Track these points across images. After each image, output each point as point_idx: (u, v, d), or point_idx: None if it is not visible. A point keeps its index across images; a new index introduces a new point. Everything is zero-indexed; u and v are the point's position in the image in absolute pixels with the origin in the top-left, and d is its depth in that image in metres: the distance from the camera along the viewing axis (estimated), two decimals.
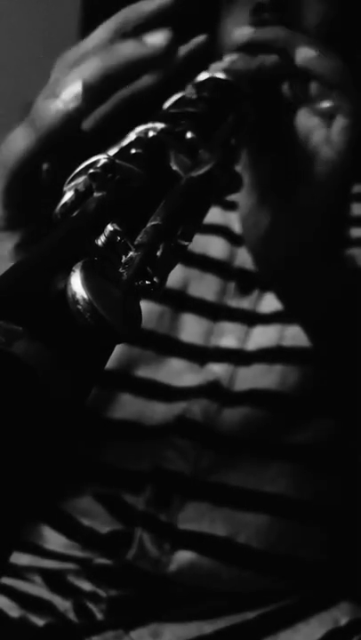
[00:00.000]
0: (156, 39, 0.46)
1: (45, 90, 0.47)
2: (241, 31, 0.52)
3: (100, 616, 0.59)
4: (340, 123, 0.51)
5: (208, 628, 0.58)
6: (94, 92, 0.45)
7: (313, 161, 0.52)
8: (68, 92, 0.44)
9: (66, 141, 0.46)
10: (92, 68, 0.46)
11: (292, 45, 0.50)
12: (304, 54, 0.50)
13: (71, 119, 0.45)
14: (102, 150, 0.35)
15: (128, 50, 0.46)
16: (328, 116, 0.51)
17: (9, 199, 0.47)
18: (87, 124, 0.48)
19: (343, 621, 0.57)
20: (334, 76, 0.50)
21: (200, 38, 0.49)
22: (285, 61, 0.51)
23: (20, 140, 0.46)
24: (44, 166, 0.48)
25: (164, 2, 0.48)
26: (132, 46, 0.46)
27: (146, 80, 0.49)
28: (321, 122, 0.52)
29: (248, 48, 0.52)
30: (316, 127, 0.52)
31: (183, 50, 0.49)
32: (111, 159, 0.33)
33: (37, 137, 0.45)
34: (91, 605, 0.59)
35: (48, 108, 0.45)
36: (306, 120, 0.53)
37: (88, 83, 0.45)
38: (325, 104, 0.51)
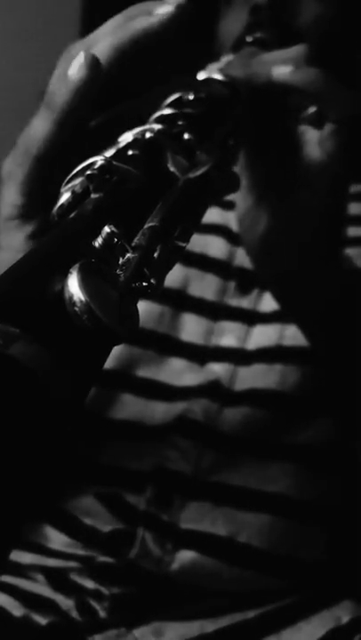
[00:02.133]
0: (166, 8, 0.46)
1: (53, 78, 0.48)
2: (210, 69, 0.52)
3: (102, 614, 0.59)
4: (328, 128, 0.51)
5: (210, 626, 0.58)
6: (100, 64, 0.45)
7: (308, 162, 0.52)
8: (73, 66, 0.45)
9: (83, 118, 0.46)
10: (104, 44, 0.46)
11: (264, 68, 0.51)
12: (278, 72, 0.50)
13: (81, 92, 0.45)
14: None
15: (138, 22, 0.46)
16: (318, 120, 0.51)
17: (29, 187, 0.47)
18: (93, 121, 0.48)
19: (345, 620, 0.57)
20: (312, 86, 0.50)
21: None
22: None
23: (39, 125, 0.46)
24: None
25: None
26: (142, 19, 0.46)
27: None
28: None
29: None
30: (307, 129, 0.52)
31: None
32: (108, 160, 0.33)
33: (55, 119, 0.46)
34: (94, 603, 0.60)
35: (58, 86, 0.46)
36: (301, 122, 0.53)
37: (93, 55, 0.45)
38: (312, 110, 0.52)
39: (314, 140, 0.52)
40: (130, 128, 0.39)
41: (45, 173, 0.46)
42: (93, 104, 0.46)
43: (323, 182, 0.52)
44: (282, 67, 0.50)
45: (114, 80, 0.47)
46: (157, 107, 0.43)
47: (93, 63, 0.44)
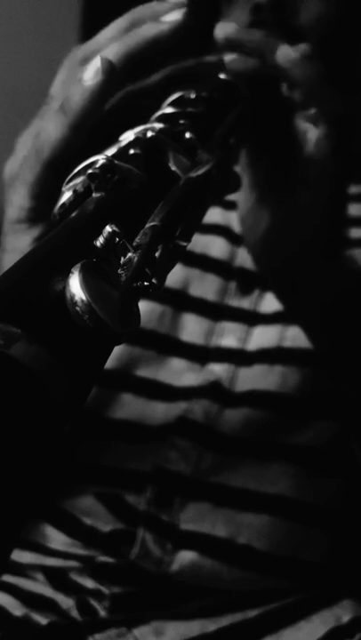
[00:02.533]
0: (175, 15, 0.47)
1: (58, 79, 0.48)
2: (223, 26, 0.52)
3: (103, 613, 0.59)
4: (322, 129, 0.51)
5: (211, 626, 0.58)
6: (116, 69, 0.45)
7: (307, 162, 0.52)
8: (89, 71, 0.45)
9: (97, 122, 0.46)
10: (113, 50, 0.46)
11: (270, 49, 0.50)
12: (285, 55, 0.50)
13: (98, 96, 0.45)
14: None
15: (147, 29, 0.47)
16: (315, 122, 0.51)
17: (39, 190, 0.47)
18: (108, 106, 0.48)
19: (345, 619, 0.57)
20: (311, 84, 0.50)
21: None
22: (267, 65, 0.51)
23: (52, 128, 0.46)
24: None
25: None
26: (151, 26, 0.47)
27: (152, 80, 0.49)
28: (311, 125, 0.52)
29: (226, 47, 0.51)
30: (309, 129, 0.52)
31: (191, 62, 0.49)
32: (110, 160, 0.33)
33: (69, 123, 0.46)
34: (94, 603, 0.60)
35: (74, 91, 0.46)
36: (301, 122, 0.53)
37: (109, 61, 0.45)
38: (311, 110, 0.52)
39: (313, 140, 0.52)
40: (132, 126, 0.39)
41: (56, 177, 0.46)
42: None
43: (320, 182, 0.52)
44: (290, 50, 0.50)
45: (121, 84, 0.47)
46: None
47: (110, 69, 0.44)
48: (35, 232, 0.48)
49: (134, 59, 0.46)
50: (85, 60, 0.47)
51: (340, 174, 0.52)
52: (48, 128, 0.46)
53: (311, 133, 0.52)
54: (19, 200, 0.48)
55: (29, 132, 0.50)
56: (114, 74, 0.45)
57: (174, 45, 0.47)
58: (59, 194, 0.45)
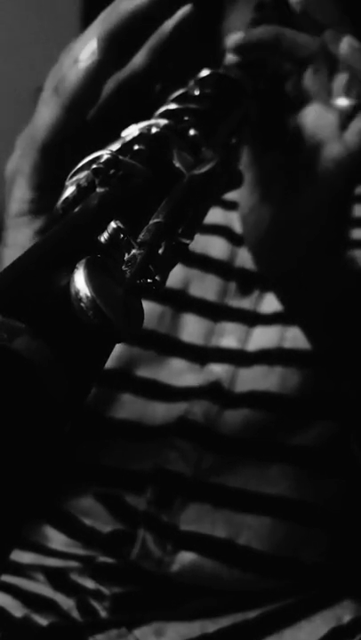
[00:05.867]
0: None
1: (52, 72, 0.48)
2: (232, 37, 0.52)
3: (103, 614, 0.59)
4: (359, 123, 0.50)
5: (211, 626, 0.58)
6: (109, 45, 0.46)
7: (318, 159, 0.52)
8: (84, 52, 0.45)
9: (92, 104, 0.46)
10: (96, 31, 0.46)
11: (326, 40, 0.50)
12: (350, 44, 0.50)
13: (92, 76, 0.45)
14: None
15: (125, 4, 0.46)
16: (345, 115, 0.51)
17: (38, 179, 0.47)
18: (91, 113, 0.47)
19: (346, 619, 0.57)
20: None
21: (186, 9, 0.49)
22: (283, 59, 0.51)
23: (46, 111, 0.46)
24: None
25: None
26: (126, 2, 0.46)
27: (137, 60, 0.48)
28: (335, 119, 0.51)
29: (240, 52, 0.51)
30: (326, 124, 0.52)
31: (170, 22, 0.49)
32: (114, 155, 0.33)
33: (63, 103, 0.46)
34: (94, 603, 0.59)
35: (69, 72, 0.45)
36: (316, 116, 0.52)
37: (100, 37, 0.45)
38: (344, 102, 0.51)
39: (332, 137, 0.51)
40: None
41: (52, 162, 0.46)
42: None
43: (336, 178, 0.51)
44: (353, 40, 0.49)
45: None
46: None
47: (106, 48, 0.44)
48: (36, 225, 0.48)
49: (118, 36, 0.46)
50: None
51: (356, 171, 0.52)
52: (42, 112, 0.46)
53: (330, 128, 0.51)
54: (19, 192, 0.48)
55: (28, 129, 0.50)
56: (109, 54, 0.45)
57: (156, 18, 0.47)
58: (58, 184, 0.45)
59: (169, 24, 0.49)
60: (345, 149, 0.51)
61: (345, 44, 0.50)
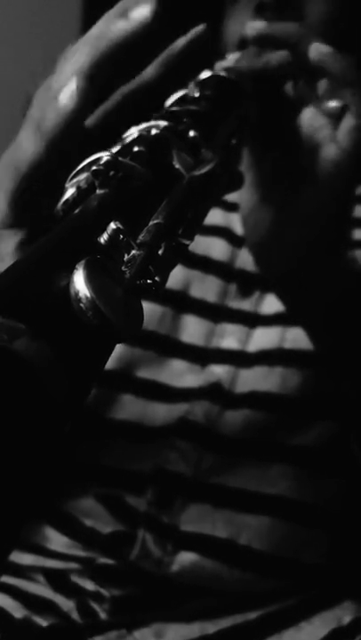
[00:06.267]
0: (141, 12, 0.44)
1: (44, 84, 0.47)
2: (253, 24, 0.51)
3: (103, 616, 0.59)
4: (348, 123, 0.51)
5: (211, 627, 0.58)
6: (91, 83, 0.44)
7: (317, 160, 0.52)
8: (64, 93, 0.44)
9: (72, 142, 0.45)
10: (83, 57, 0.44)
11: (305, 42, 0.50)
12: (319, 50, 0.50)
13: (72, 119, 0.44)
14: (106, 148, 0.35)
15: (115, 30, 0.44)
16: (336, 116, 0.51)
17: (18, 199, 0.47)
18: (90, 121, 0.47)
19: (346, 620, 0.57)
20: (348, 73, 0.50)
21: (199, 28, 0.48)
22: (295, 58, 0.51)
23: (28, 145, 0.46)
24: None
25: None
26: (118, 25, 0.44)
27: (147, 74, 0.48)
28: (328, 121, 0.52)
29: (258, 43, 0.51)
30: (321, 126, 0.52)
31: (182, 40, 0.48)
32: (114, 156, 0.33)
33: (44, 142, 0.45)
34: (94, 605, 0.59)
35: (49, 110, 0.45)
36: (311, 119, 0.52)
37: (82, 74, 0.44)
38: (333, 103, 0.51)
39: (328, 138, 0.51)
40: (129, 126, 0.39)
41: (33, 189, 0.46)
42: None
43: (335, 179, 0.51)
44: (321, 45, 0.49)
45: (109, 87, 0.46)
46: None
47: (85, 91, 0.43)
48: (17, 237, 0.47)
49: (105, 65, 0.44)
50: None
51: (356, 171, 0.52)
52: (24, 145, 0.46)
53: (323, 132, 0.52)
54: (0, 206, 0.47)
55: (10, 151, 0.49)
56: (90, 96, 0.44)
57: (149, 42, 0.45)
58: (38, 204, 0.45)
59: (181, 42, 0.48)
60: (340, 150, 0.51)
61: (313, 52, 0.50)
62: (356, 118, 0.50)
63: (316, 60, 0.50)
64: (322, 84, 0.52)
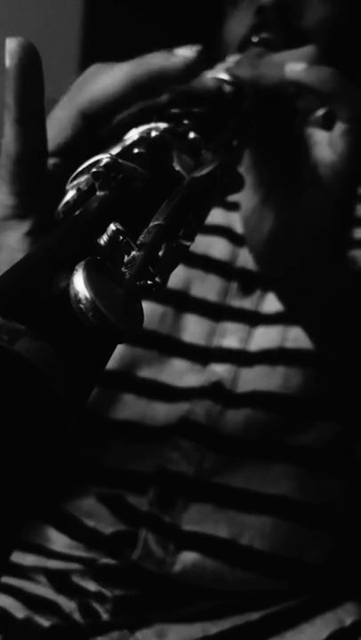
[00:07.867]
0: (187, 52, 0.46)
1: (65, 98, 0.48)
2: (293, 67, 0.51)
3: (105, 616, 0.59)
4: (340, 127, 0.51)
5: (213, 628, 0.58)
6: (116, 98, 0.46)
7: (316, 163, 0.52)
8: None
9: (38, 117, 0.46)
10: (119, 74, 0.46)
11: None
12: (292, 69, 0.50)
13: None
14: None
15: (158, 59, 0.46)
16: (328, 122, 0.51)
17: (16, 186, 0.47)
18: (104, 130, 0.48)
19: (348, 622, 0.57)
20: (326, 85, 0.50)
21: (194, 54, 0.49)
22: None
23: (6, 128, 0.46)
24: (52, 160, 0.48)
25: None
26: (162, 56, 0.47)
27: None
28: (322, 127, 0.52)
29: (295, 90, 0.51)
30: (317, 130, 0.52)
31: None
32: (114, 158, 0.33)
33: (13, 117, 0.45)
34: (96, 605, 0.59)
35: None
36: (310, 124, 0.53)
37: (111, 88, 0.46)
38: (321, 112, 0.51)
39: (323, 142, 0.52)
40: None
41: (26, 173, 0.46)
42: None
43: (333, 183, 0.51)
44: (294, 64, 0.50)
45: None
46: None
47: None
48: (24, 228, 0.47)
49: (138, 87, 0.46)
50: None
51: (354, 174, 0.52)
52: (5, 127, 0.46)
53: (319, 135, 0.52)
54: (1, 197, 0.47)
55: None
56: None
57: (180, 77, 0.47)
58: (39, 190, 0.45)
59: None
60: (335, 154, 0.51)
61: (289, 73, 0.50)
62: (346, 122, 0.50)
63: (293, 79, 0.50)
64: (308, 98, 0.52)
